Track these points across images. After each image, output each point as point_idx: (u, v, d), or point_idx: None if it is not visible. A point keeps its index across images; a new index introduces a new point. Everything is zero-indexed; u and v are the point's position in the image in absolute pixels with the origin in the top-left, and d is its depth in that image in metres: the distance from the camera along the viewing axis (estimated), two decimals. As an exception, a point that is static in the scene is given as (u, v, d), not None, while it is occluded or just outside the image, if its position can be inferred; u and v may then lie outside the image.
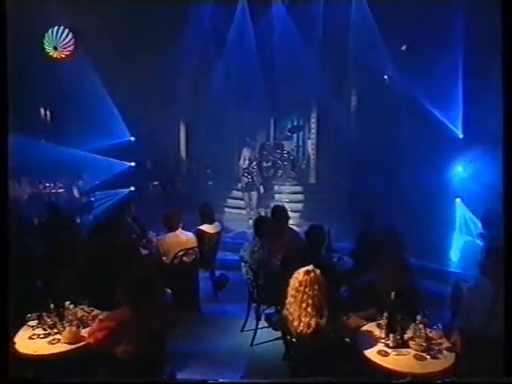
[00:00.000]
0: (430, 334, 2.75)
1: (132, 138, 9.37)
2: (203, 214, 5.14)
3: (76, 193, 7.95)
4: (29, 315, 2.91)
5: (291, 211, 8.65)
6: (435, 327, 2.77)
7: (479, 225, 5.82)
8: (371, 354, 2.66)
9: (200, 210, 5.18)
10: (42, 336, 2.82)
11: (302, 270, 2.66)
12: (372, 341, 2.77)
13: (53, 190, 7.65)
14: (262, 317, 4.17)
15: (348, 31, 8.51)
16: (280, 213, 4.66)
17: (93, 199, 8.07)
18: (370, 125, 8.44)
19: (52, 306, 2.94)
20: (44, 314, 2.89)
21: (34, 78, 7.94)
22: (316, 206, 8.60)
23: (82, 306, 3.09)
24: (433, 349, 2.64)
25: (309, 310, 2.56)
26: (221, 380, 2.18)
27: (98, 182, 8.46)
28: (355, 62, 8.63)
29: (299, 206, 8.88)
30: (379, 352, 2.66)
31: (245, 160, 7.87)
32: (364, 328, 2.93)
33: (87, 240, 4.27)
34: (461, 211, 7.20)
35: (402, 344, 2.69)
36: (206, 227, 5.09)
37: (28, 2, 6.48)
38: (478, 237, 5.20)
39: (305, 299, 2.57)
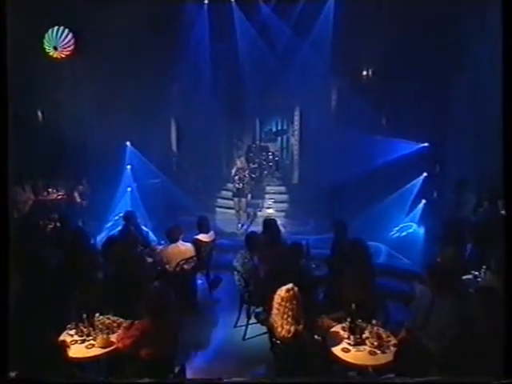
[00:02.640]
0: (383, 334, 3.58)
1: (128, 143, 9.85)
2: (200, 225, 5.87)
3: (77, 197, 8.52)
4: (68, 325, 3.64)
5: (276, 211, 9.44)
6: (384, 330, 3.61)
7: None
8: (337, 350, 3.50)
9: (197, 221, 5.91)
10: (79, 342, 3.56)
11: (284, 288, 3.45)
12: (338, 340, 3.60)
13: (59, 197, 8.19)
14: (252, 315, 4.99)
15: (331, 32, 9.07)
16: (270, 227, 5.44)
17: (93, 203, 8.62)
18: (349, 128, 9.11)
19: (85, 316, 3.68)
20: (80, 324, 3.62)
21: (34, 78, 8.14)
22: (299, 206, 9.23)
23: (107, 316, 3.83)
24: (383, 345, 3.47)
25: (289, 319, 3.36)
26: (235, 379, 2.90)
27: (97, 186, 9.01)
28: (338, 62, 9.18)
29: (284, 205, 9.58)
30: (343, 349, 3.50)
31: (238, 169, 8.51)
32: (332, 329, 3.76)
33: (100, 255, 4.96)
34: (424, 212, 8.03)
35: (360, 342, 3.52)
36: (202, 236, 5.84)
37: (28, 2, 6.52)
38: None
39: (286, 311, 3.37)
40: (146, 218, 7.99)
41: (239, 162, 8.63)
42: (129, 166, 9.61)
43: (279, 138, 10.95)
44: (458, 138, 8.37)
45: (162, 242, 5.88)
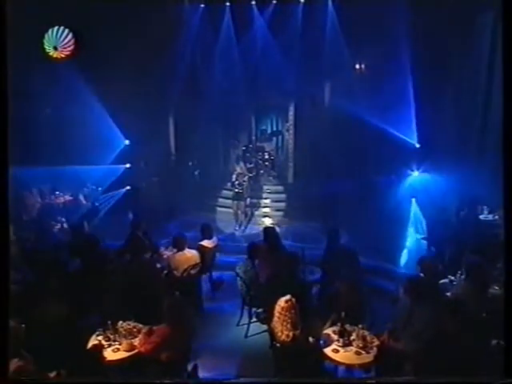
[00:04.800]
0: (368, 336, 4.17)
1: (126, 142, 10.19)
2: (203, 231, 6.39)
3: (82, 199, 8.94)
4: (97, 332, 4.17)
5: (273, 210, 9.90)
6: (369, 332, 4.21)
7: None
8: (328, 351, 4.09)
9: (201, 228, 6.43)
10: (106, 346, 4.10)
11: (283, 299, 4.00)
12: (329, 342, 4.19)
13: (67, 200, 8.61)
14: (253, 315, 5.56)
15: (323, 37, 9.41)
16: (269, 236, 5.97)
17: (98, 204, 9.06)
18: (341, 129, 9.56)
19: (109, 323, 4.21)
20: (107, 331, 4.16)
21: (34, 78, 8.44)
22: (294, 205, 9.67)
23: (128, 322, 4.37)
24: (367, 346, 4.07)
25: (288, 326, 3.93)
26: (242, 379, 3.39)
27: (100, 188, 9.44)
28: (331, 62, 9.53)
29: (280, 204, 9.99)
30: (333, 350, 4.09)
31: (238, 174, 8.95)
32: (324, 332, 4.34)
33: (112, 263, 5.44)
34: (414, 210, 8.44)
35: (348, 344, 4.11)
36: (205, 242, 6.36)
37: (28, 2, 6.69)
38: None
39: (285, 319, 3.93)
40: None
41: (239, 168, 9.06)
42: (128, 165, 10.02)
43: (274, 138, 11.35)
44: (444, 141, 8.88)
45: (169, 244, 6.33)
